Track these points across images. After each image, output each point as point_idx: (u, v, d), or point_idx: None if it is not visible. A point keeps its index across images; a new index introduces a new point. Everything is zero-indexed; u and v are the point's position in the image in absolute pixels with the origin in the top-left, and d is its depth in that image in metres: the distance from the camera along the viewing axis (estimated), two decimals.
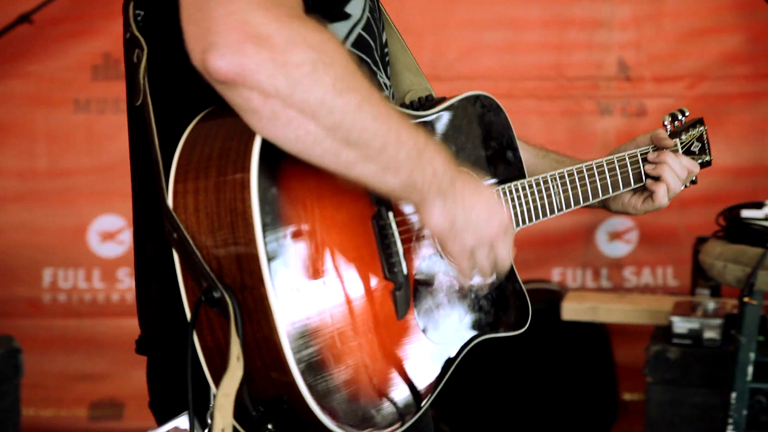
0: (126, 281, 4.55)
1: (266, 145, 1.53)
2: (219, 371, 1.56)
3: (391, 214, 1.72)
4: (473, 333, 1.87)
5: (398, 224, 1.73)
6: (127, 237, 4.56)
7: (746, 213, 3.26)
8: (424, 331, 1.75)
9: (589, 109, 4.63)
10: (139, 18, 1.74)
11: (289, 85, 1.47)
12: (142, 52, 1.71)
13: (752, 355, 3.17)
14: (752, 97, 4.61)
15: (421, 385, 1.75)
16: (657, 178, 2.14)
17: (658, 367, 3.58)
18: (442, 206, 1.65)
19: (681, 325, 3.55)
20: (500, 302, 1.95)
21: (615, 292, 4.49)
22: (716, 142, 4.53)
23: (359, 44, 1.80)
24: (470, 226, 1.69)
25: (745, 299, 3.13)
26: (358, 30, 1.80)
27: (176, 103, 1.69)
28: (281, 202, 1.56)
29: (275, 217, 1.54)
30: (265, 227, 1.52)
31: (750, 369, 3.17)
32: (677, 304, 3.71)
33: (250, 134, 1.54)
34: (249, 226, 1.52)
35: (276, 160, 1.55)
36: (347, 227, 1.65)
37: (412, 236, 1.77)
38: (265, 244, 1.52)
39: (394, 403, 1.69)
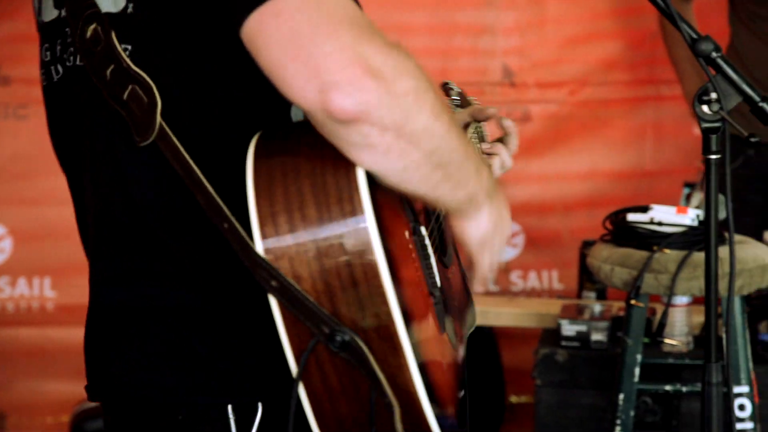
0: (7, 290, 4.44)
1: (367, 176, 1.51)
2: (328, 417, 1.54)
3: (423, 228, 1.73)
4: (464, 332, 1.89)
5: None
6: (7, 245, 4.46)
7: (632, 217, 3.31)
8: (450, 339, 1.75)
9: None
10: (128, 52, 1.63)
11: (403, 115, 1.46)
12: (145, 89, 1.60)
13: (639, 357, 3.22)
14: (632, 102, 4.69)
15: (461, 394, 1.76)
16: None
17: (546, 369, 3.62)
18: (489, 212, 1.67)
19: (569, 327, 3.60)
20: (469, 299, 1.98)
21: (503, 296, 4.53)
22: (598, 147, 4.65)
23: None
24: (505, 226, 1.72)
25: (632, 302, 3.18)
26: None
27: (202, 136, 1.61)
28: (387, 235, 1.54)
29: (386, 248, 1.52)
30: (386, 263, 1.51)
31: (636, 370, 3.23)
32: (565, 307, 3.76)
33: (348, 167, 1.51)
34: (371, 265, 1.50)
35: (373, 192, 1.53)
36: (407, 247, 1.65)
37: (434, 249, 1.79)
38: (393, 288, 1.50)
39: (463, 415, 1.71)
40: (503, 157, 2.09)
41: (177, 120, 1.59)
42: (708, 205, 1.94)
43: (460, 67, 4.67)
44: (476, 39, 4.67)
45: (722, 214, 3.29)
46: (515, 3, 4.65)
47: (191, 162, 1.57)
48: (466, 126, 2.15)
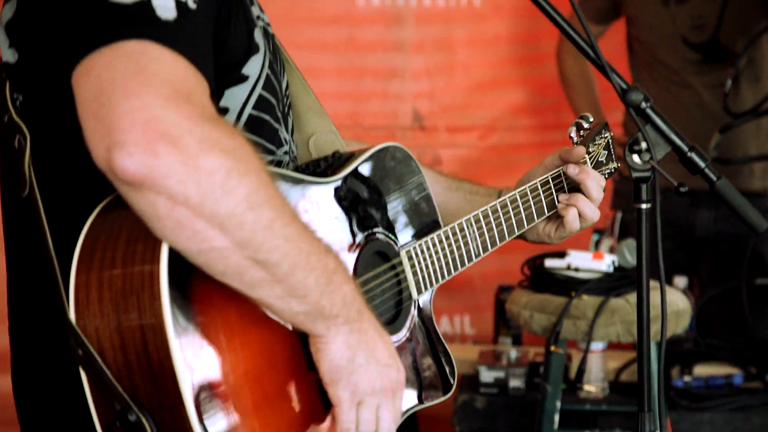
0: None
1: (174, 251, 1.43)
2: None
3: None
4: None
5: None
6: None
7: (549, 263, 3.32)
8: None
9: None
10: (18, 102, 1.61)
11: (200, 194, 1.37)
12: (24, 139, 1.59)
13: (558, 403, 3.23)
14: (539, 147, 4.73)
15: None
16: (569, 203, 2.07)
17: (465, 416, 3.61)
18: (346, 337, 1.55)
19: (487, 374, 3.59)
20: (425, 370, 1.86)
21: None
22: None
23: (260, 105, 1.71)
24: (370, 367, 1.58)
25: (552, 348, 3.19)
26: (258, 90, 1.70)
27: (66, 194, 1.58)
28: (195, 314, 1.45)
29: (191, 328, 1.43)
30: (181, 341, 1.42)
31: (556, 417, 3.23)
32: (482, 353, 3.76)
33: (156, 239, 1.43)
34: (163, 342, 1.41)
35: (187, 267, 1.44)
36: (267, 337, 1.55)
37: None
38: (184, 359, 1.41)
39: None
40: (581, 208, 2.04)
41: (44, 171, 1.58)
42: (639, 254, 1.94)
43: (371, 111, 4.67)
44: (386, 83, 4.67)
45: (633, 261, 3.33)
46: (424, 47, 4.68)
47: (44, 216, 1.55)
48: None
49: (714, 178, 1.90)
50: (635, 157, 1.89)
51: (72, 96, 1.43)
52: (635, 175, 1.90)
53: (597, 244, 4.11)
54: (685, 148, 1.90)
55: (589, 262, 3.29)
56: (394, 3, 4.62)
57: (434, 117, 4.69)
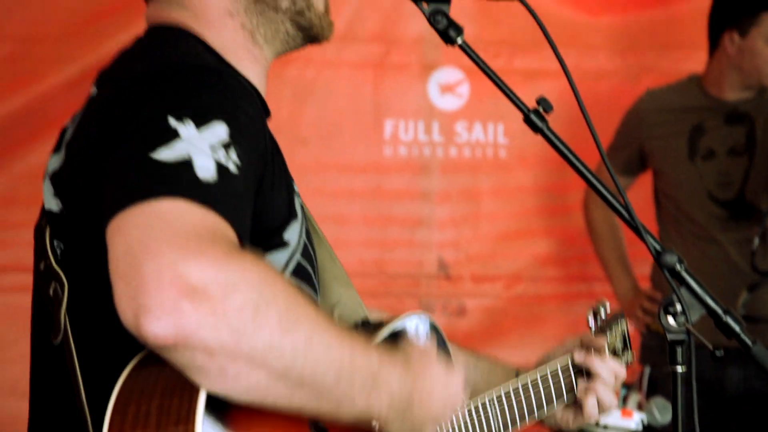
0: None
1: (212, 399, 1.43)
2: None
3: None
4: None
5: None
6: None
7: None
8: None
9: (410, 306, 4.65)
10: (59, 250, 1.65)
11: (234, 335, 1.38)
12: (61, 287, 1.61)
13: None
14: (564, 298, 4.72)
15: None
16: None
17: None
18: (400, 424, 1.57)
19: None
20: None
21: None
22: (533, 343, 4.65)
23: (299, 272, 1.73)
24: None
25: None
26: (297, 257, 1.72)
27: (102, 345, 1.59)
28: None
29: None
30: None
31: None
32: None
33: (192, 389, 1.44)
34: None
35: (222, 412, 1.45)
36: None
37: None
38: None
39: None
40: (600, 395, 2.05)
41: (79, 320, 1.60)
42: (675, 420, 1.91)
43: (396, 259, 4.68)
44: (412, 231, 4.69)
45: (666, 419, 3.28)
46: (450, 197, 4.71)
47: (77, 366, 1.57)
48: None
49: (749, 342, 1.89)
50: (670, 319, 1.88)
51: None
52: (670, 337, 1.89)
53: (625, 400, 4.06)
54: (721, 312, 1.90)
55: (618, 420, 3.25)
56: (420, 153, 4.66)
57: (459, 266, 4.69)
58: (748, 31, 4.01)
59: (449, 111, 4.65)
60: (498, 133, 4.66)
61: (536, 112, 1.95)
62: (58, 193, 1.67)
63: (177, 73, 1.61)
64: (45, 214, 1.71)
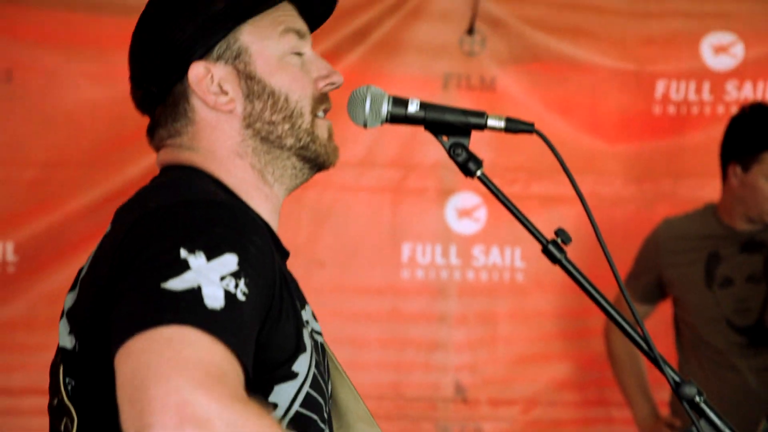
0: None
1: None
2: None
3: None
4: None
5: None
6: None
7: None
8: None
9: (427, 430, 4.64)
10: (69, 387, 1.69)
11: None
12: (71, 422, 1.65)
13: None
14: (582, 423, 4.69)
15: None
16: None
17: None
18: None
19: None
20: None
21: None
22: None
23: (308, 404, 1.76)
24: None
25: None
26: (306, 388, 1.76)
27: None
28: None
29: None
30: None
31: None
32: None
33: None
34: None
35: None
36: None
37: None
38: None
39: None
40: None
41: None
42: None
43: (413, 382, 4.67)
44: (429, 354, 4.69)
45: None
46: (467, 320, 4.71)
47: None
48: None
49: None
50: None
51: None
52: None
53: None
54: None
55: None
56: (438, 276, 4.68)
57: (476, 389, 4.68)
58: (750, 167, 4.08)
59: (467, 235, 4.69)
60: (515, 257, 4.69)
61: (554, 243, 1.98)
62: (72, 330, 1.72)
63: (189, 208, 1.67)
64: (60, 351, 1.75)
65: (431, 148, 4.51)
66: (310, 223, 4.58)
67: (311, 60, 1.92)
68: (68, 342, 1.73)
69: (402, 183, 4.64)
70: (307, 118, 1.89)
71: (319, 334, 1.91)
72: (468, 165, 1.99)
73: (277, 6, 1.90)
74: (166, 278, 1.53)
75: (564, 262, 1.97)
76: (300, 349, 1.75)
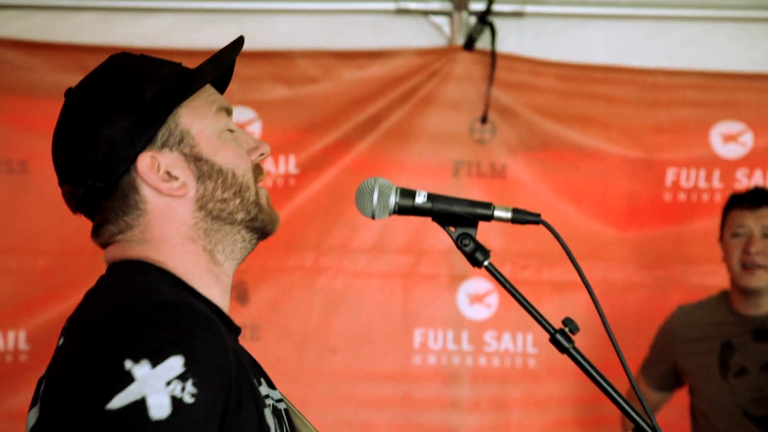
0: None
1: None
2: None
3: None
4: None
5: None
6: None
7: None
8: None
9: None
10: None
11: None
12: None
13: None
14: None
15: None
16: None
17: None
18: None
19: None
20: None
21: None
22: None
23: None
24: None
25: None
26: None
27: None
28: None
29: None
30: None
31: None
32: None
33: None
34: None
35: None
36: None
37: None
38: None
39: None
40: None
41: None
42: None
43: None
44: None
45: None
46: (479, 406, 4.70)
47: None
48: None
49: None
50: None
51: None
52: None
53: None
54: None
55: None
56: (450, 362, 4.68)
57: None
58: (723, 233, 4.12)
59: (479, 320, 4.70)
60: (527, 342, 4.69)
61: (562, 332, 2.00)
62: None
63: (132, 314, 1.68)
64: None
65: (442, 234, 4.44)
66: (322, 309, 4.59)
67: (239, 135, 1.95)
68: None
69: (414, 269, 4.66)
70: (253, 189, 1.91)
71: (281, 401, 1.92)
72: (475, 255, 2.02)
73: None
74: (110, 396, 1.57)
75: (572, 351, 1.99)
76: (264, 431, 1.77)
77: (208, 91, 1.93)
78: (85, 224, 4.60)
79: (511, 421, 4.71)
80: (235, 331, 1.89)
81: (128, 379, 1.57)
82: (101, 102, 1.86)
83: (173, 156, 1.86)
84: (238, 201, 1.89)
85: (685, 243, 4.69)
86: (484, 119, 4.60)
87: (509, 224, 2.06)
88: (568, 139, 4.69)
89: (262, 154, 1.94)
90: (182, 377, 1.59)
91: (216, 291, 1.88)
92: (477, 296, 4.65)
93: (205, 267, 1.88)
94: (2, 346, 4.36)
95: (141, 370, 1.58)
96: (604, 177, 4.71)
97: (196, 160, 1.87)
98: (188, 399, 1.58)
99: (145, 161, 1.85)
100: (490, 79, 4.56)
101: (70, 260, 4.27)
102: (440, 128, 4.64)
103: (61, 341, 1.79)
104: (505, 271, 4.61)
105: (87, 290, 1.86)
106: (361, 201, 1.99)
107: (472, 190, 4.59)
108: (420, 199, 2.01)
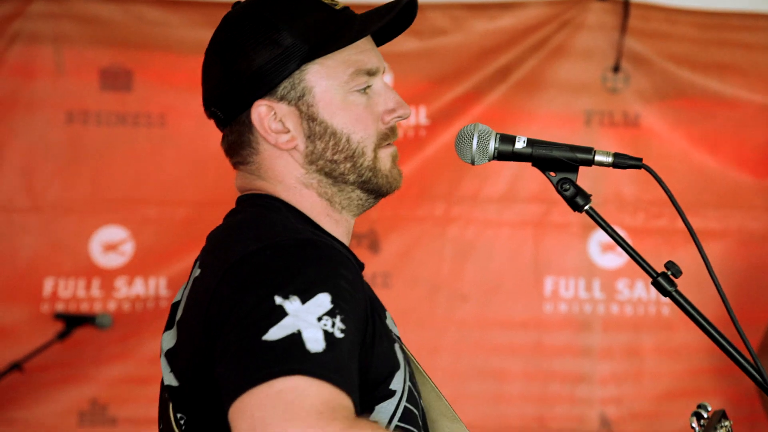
0: None
1: None
2: None
3: None
4: None
5: None
6: None
7: None
8: None
9: None
10: (182, 422, 1.78)
11: None
12: None
13: None
14: None
15: None
16: None
17: None
18: None
19: None
20: None
21: None
22: None
23: (406, 418, 1.82)
24: None
25: None
26: (404, 404, 1.82)
27: None
28: None
29: None
30: None
31: None
32: None
33: None
34: None
35: None
36: None
37: None
38: None
39: None
40: None
41: None
42: None
43: (557, 415, 4.67)
44: (573, 387, 4.69)
45: None
46: (612, 353, 4.69)
47: None
48: None
49: None
50: None
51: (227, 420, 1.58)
52: None
53: None
54: None
55: None
56: (581, 310, 4.69)
57: (623, 423, 4.65)
58: None
59: (610, 269, 4.69)
60: (654, 287, 4.67)
61: (665, 275, 1.99)
62: (173, 369, 1.80)
63: (276, 252, 1.71)
64: (166, 388, 1.83)
65: None
66: (453, 258, 4.64)
67: (378, 93, 1.92)
68: (172, 380, 1.81)
69: (544, 218, 4.67)
70: (369, 155, 1.90)
71: (400, 340, 1.95)
72: (576, 199, 2.01)
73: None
74: (266, 329, 1.60)
75: (674, 294, 1.99)
76: (395, 366, 1.81)
77: (357, 48, 1.89)
78: (220, 176, 4.75)
79: (644, 369, 4.70)
80: (361, 266, 1.89)
81: (281, 313, 1.60)
82: (242, 35, 1.88)
83: (289, 110, 1.87)
84: (349, 165, 1.89)
85: None
86: (616, 68, 4.58)
87: (643, 172, 2.04)
88: (705, 87, 4.63)
89: (400, 117, 1.92)
90: (331, 313, 1.62)
91: (338, 232, 1.91)
92: (609, 245, 4.65)
93: (323, 211, 1.91)
94: (144, 292, 4.53)
95: (292, 305, 1.61)
96: (741, 125, 4.64)
97: (310, 119, 1.88)
98: (339, 334, 1.62)
99: (260, 109, 1.87)
100: (623, 28, 4.53)
101: (206, 210, 4.32)
102: (571, 78, 4.62)
103: (197, 272, 1.82)
104: (638, 219, 4.64)
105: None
106: (461, 147, 1.97)
107: (604, 140, 4.58)
108: (520, 144, 1.98)
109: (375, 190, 1.93)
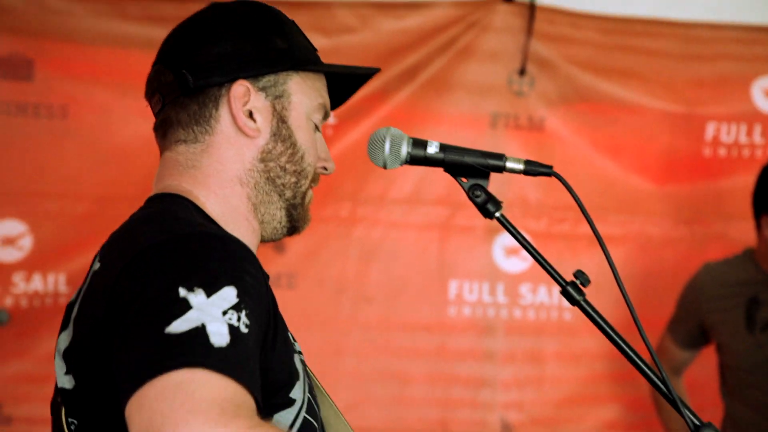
0: None
1: None
2: None
3: None
4: None
5: None
6: None
7: None
8: None
9: None
10: (72, 427, 1.73)
11: None
12: None
13: None
14: None
15: None
16: None
17: None
18: None
19: None
20: None
21: None
22: None
23: (305, 428, 1.80)
24: None
25: None
26: (303, 414, 1.80)
27: None
28: None
29: None
30: None
31: None
32: None
33: None
34: None
35: None
36: None
37: None
38: None
39: None
40: None
41: None
42: None
43: (459, 419, 4.68)
44: (476, 391, 4.70)
45: None
46: (514, 358, 4.71)
47: None
48: None
49: None
50: None
51: (124, 425, 1.52)
52: None
53: None
54: None
55: None
56: (485, 313, 4.70)
57: (523, 428, 4.67)
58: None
59: (514, 273, 4.71)
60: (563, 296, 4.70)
61: (573, 284, 2.00)
62: (69, 370, 1.74)
63: (182, 243, 1.69)
64: (59, 392, 1.78)
65: None
66: (358, 259, 4.62)
67: (320, 138, 1.99)
68: (66, 382, 1.75)
69: (449, 220, 4.67)
70: (306, 183, 1.96)
71: (301, 353, 1.94)
72: (487, 206, 2.03)
73: (321, 76, 1.97)
74: (170, 321, 1.56)
75: (582, 303, 2.00)
76: (295, 376, 1.80)
77: (323, 85, 1.98)
78: (123, 170, 4.65)
79: (545, 374, 4.73)
80: (266, 277, 1.87)
81: (185, 305, 1.57)
82: (249, 18, 1.93)
83: (265, 103, 1.91)
84: (293, 180, 1.93)
85: (725, 198, 4.66)
86: (522, 71, 4.59)
87: (547, 178, 2.05)
88: (608, 92, 4.67)
89: (326, 169, 1.99)
90: (237, 307, 1.60)
91: (248, 240, 1.90)
92: (513, 249, 4.66)
93: (243, 214, 1.91)
94: (43, 288, 4.43)
95: (196, 298, 1.58)
96: (643, 131, 4.68)
97: (281, 120, 1.92)
98: (243, 329, 1.59)
99: (240, 88, 1.89)
100: (529, 31, 4.54)
101: (108, 205, 4.30)
102: (478, 80, 4.62)
103: (97, 266, 1.79)
104: (542, 224, 4.66)
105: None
106: (373, 150, 1.99)
107: (510, 143, 4.59)
108: (432, 149, 2.00)
109: (293, 219, 1.96)
